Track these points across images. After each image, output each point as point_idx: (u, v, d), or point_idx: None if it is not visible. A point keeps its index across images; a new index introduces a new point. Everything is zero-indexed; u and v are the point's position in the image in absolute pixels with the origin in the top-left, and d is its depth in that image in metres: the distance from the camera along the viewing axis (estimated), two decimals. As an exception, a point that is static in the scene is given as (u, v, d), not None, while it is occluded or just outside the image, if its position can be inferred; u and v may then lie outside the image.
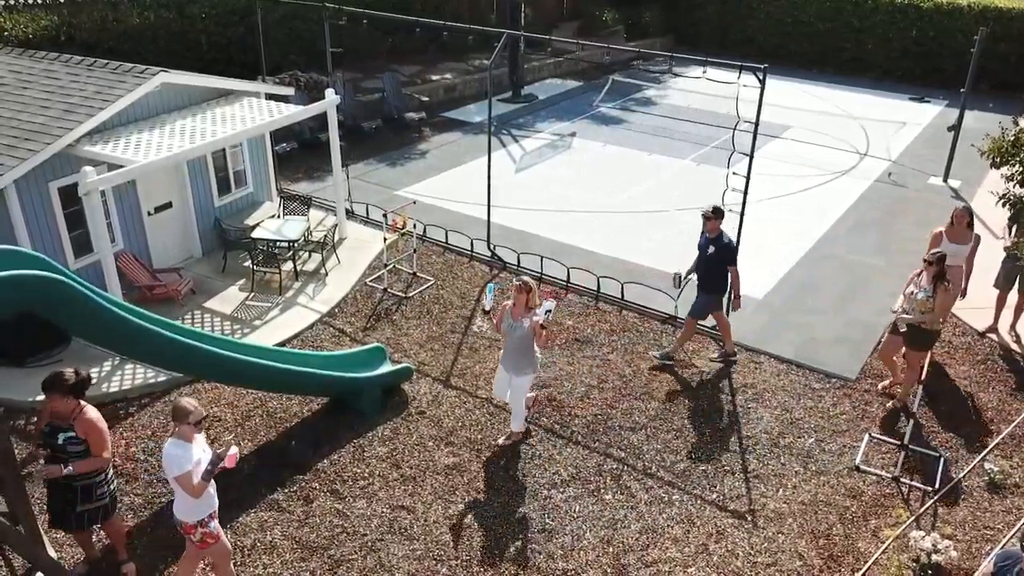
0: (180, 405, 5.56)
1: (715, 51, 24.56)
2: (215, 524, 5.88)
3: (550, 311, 7.42)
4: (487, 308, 7.60)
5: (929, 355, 8.70)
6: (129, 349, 7.00)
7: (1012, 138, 8.43)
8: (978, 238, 9.02)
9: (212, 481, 5.62)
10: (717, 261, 8.86)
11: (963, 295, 9.32)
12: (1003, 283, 9.62)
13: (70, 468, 5.74)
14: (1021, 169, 8.25)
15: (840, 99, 20.93)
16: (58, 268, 6.70)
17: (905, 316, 8.14)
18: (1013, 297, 9.68)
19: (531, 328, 7.41)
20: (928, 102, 20.78)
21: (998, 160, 8.50)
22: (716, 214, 8.85)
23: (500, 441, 8.02)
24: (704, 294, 9.13)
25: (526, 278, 7.54)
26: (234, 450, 5.65)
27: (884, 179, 15.25)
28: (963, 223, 8.93)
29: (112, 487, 6.19)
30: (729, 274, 8.94)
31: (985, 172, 14.15)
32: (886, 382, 8.92)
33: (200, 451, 5.65)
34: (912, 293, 8.14)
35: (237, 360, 7.30)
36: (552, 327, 7.83)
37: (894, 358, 8.69)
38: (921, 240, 12.43)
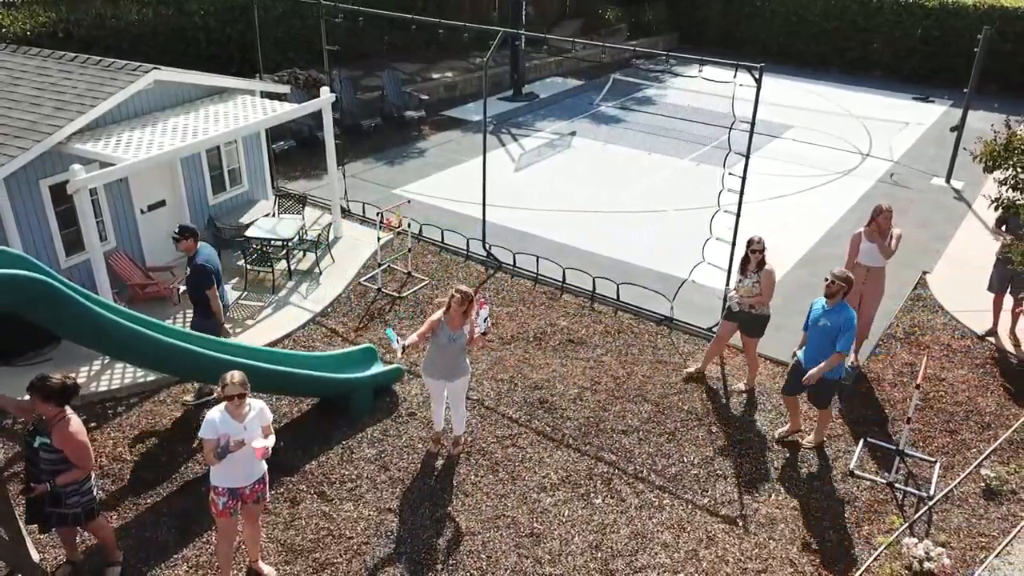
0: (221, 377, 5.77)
1: (719, 50, 24.54)
2: (223, 501, 5.90)
3: (488, 319, 7.37)
4: (403, 347, 7.08)
5: (926, 358, 8.60)
6: (114, 350, 6.93)
7: (1004, 142, 8.29)
8: (899, 237, 8.75)
9: (255, 466, 5.93)
10: (193, 283, 8.06)
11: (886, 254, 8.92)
12: (996, 286, 9.50)
13: (46, 486, 5.69)
14: (1014, 173, 8.11)
15: (843, 98, 20.78)
16: (42, 268, 6.65)
17: (735, 300, 8.43)
18: (1009, 300, 9.55)
19: (469, 335, 7.28)
20: (932, 102, 20.61)
21: (990, 164, 8.37)
22: (183, 234, 8.07)
23: (454, 452, 7.84)
24: (198, 318, 8.28)
25: (465, 288, 7.22)
26: (260, 443, 5.71)
27: (887, 179, 15.12)
28: (888, 222, 8.65)
29: (87, 498, 6.04)
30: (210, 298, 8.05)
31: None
32: (692, 368, 9.08)
33: (239, 428, 5.72)
34: (740, 281, 8.38)
35: (224, 361, 7.22)
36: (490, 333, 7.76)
37: (725, 345, 9.00)
38: (923, 241, 12.37)
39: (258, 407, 5.93)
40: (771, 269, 8.28)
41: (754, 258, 8.24)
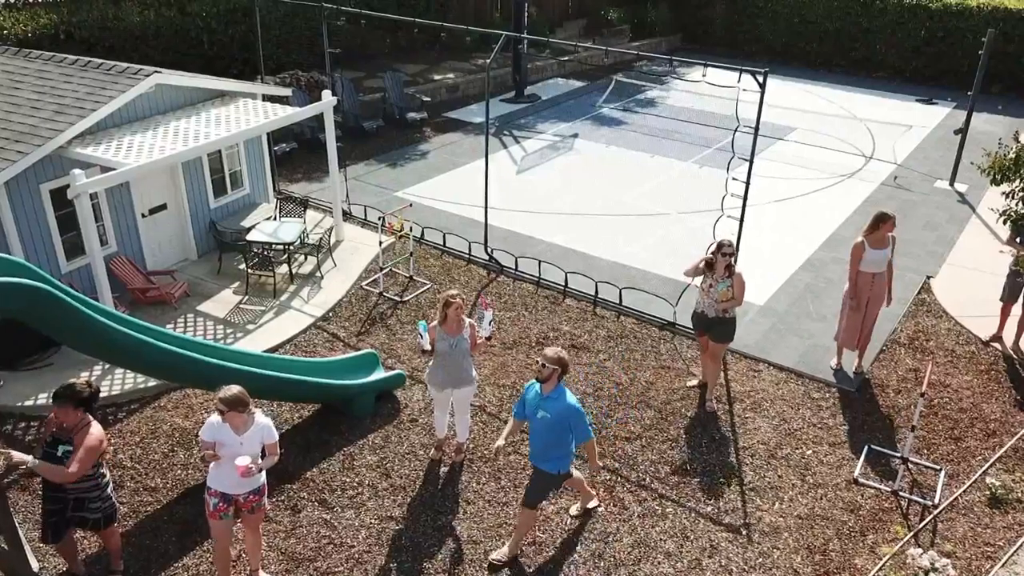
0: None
1: (723, 50, 24.54)
2: (214, 502, 5.88)
3: (492, 321, 7.25)
4: (427, 348, 7.08)
5: (930, 364, 8.55)
6: (113, 357, 6.90)
7: (1013, 156, 8.22)
8: (894, 240, 8.73)
9: (238, 473, 5.68)
10: None
11: (889, 302, 8.95)
12: (1007, 297, 9.46)
13: (35, 461, 5.57)
14: (1022, 185, 8.04)
15: (846, 100, 20.71)
16: (41, 275, 6.62)
17: (711, 307, 8.20)
18: (1017, 310, 9.50)
19: (472, 339, 7.22)
20: (935, 104, 20.54)
21: (998, 177, 8.29)
22: None
23: (456, 458, 7.81)
24: None
25: (452, 291, 7.17)
26: (243, 460, 5.58)
27: (890, 182, 15.07)
28: (892, 230, 8.59)
29: (108, 503, 6.07)
30: None
31: (992, 176, 13.96)
32: (694, 382, 9.00)
33: (234, 440, 5.66)
34: (709, 287, 8.14)
35: (224, 368, 7.19)
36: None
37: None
38: (927, 245, 12.32)
39: (263, 424, 5.82)
40: (740, 271, 8.19)
41: (723, 262, 8.03)
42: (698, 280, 8.41)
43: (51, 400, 5.74)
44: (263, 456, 5.88)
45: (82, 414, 5.76)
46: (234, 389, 5.66)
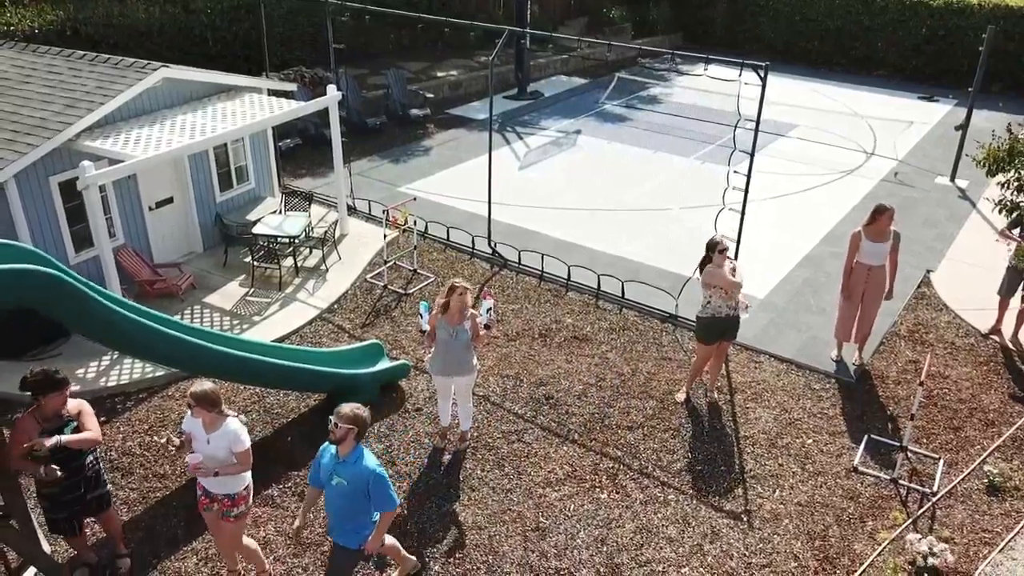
0: None
1: (724, 49, 24.58)
2: (198, 494, 5.98)
3: (491, 310, 7.31)
4: (425, 328, 7.15)
5: (929, 356, 8.63)
6: (124, 345, 6.99)
7: (1007, 146, 8.31)
8: (898, 235, 8.80)
9: (226, 480, 5.77)
10: None
11: (888, 296, 9.02)
12: (1005, 291, 9.55)
13: (59, 438, 5.56)
14: (1016, 175, 8.13)
15: (848, 98, 20.80)
16: (54, 263, 6.70)
17: (738, 308, 8.13)
18: (1016, 303, 9.59)
19: (473, 330, 7.28)
20: (937, 101, 20.63)
21: (993, 168, 8.39)
22: None
23: (460, 447, 7.90)
24: None
25: (458, 280, 7.21)
26: (193, 458, 5.60)
27: (891, 178, 15.16)
28: (890, 223, 8.66)
29: (105, 478, 6.26)
30: None
31: (992, 172, 14.04)
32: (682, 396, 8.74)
33: (201, 437, 5.68)
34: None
35: (233, 356, 7.30)
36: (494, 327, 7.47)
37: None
38: (927, 240, 12.41)
39: (232, 430, 5.69)
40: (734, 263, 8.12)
41: (722, 258, 7.93)
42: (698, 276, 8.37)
43: (44, 392, 5.67)
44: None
45: (63, 395, 5.84)
46: (206, 385, 5.60)
